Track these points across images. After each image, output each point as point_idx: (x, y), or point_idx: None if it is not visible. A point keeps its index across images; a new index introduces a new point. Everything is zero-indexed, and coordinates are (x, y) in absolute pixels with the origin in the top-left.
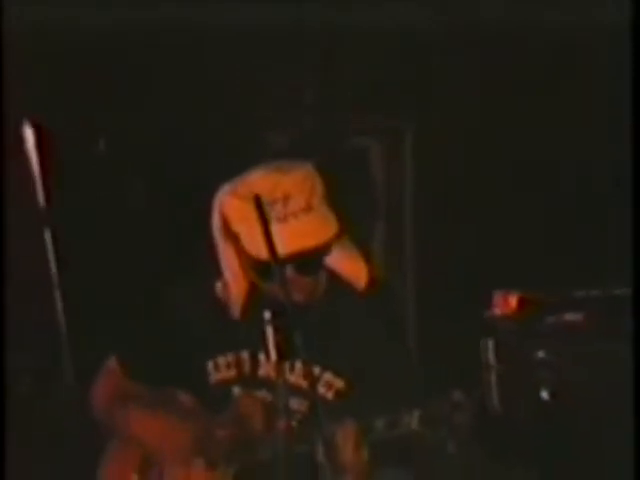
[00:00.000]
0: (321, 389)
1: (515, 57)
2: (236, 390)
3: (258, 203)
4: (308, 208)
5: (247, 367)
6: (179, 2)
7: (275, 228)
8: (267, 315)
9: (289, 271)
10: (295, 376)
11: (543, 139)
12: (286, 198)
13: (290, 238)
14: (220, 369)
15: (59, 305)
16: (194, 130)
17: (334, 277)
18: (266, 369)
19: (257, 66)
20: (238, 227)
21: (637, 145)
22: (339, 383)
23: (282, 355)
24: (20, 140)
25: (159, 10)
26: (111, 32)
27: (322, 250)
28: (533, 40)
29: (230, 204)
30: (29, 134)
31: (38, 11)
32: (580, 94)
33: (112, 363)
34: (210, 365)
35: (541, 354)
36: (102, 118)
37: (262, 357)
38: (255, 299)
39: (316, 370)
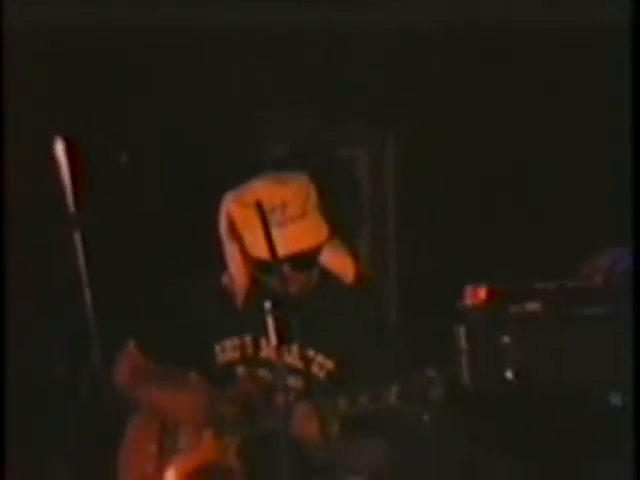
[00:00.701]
0: (314, 369)
1: (515, 57)
2: (240, 370)
3: (260, 210)
4: (303, 214)
5: (250, 350)
6: (179, 2)
7: (274, 232)
8: (267, 305)
9: (286, 268)
10: (292, 358)
11: (540, 139)
12: (284, 206)
13: (288, 241)
14: (226, 351)
15: (87, 296)
16: (204, 145)
17: (325, 273)
18: (266, 351)
19: (257, 72)
20: (242, 230)
21: (637, 145)
22: (329, 364)
23: (280, 339)
24: (52, 155)
25: (159, 10)
26: (111, 32)
27: (315, 250)
28: (533, 40)
29: (235, 210)
30: (60, 148)
31: (38, 11)
32: (580, 94)
33: (131, 346)
34: (217, 348)
35: (506, 339)
36: (120, 131)
37: (263, 341)
38: (256, 291)
39: (310, 353)
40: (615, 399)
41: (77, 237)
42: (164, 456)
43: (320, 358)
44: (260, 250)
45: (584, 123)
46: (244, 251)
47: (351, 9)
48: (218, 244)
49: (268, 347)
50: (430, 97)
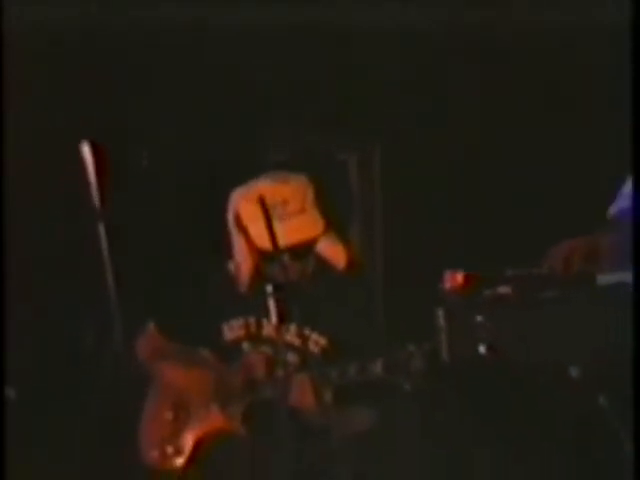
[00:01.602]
0: (310, 345)
1: (515, 57)
2: (245, 346)
3: (263, 205)
4: (302, 210)
5: (253, 328)
6: (179, 2)
7: (276, 225)
8: (269, 289)
9: (286, 257)
10: (290, 335)
11: (537, 139)
12: (285, 202)
13: (288, 233)
14: (233, 330)
15: (110, 281)
16: (213, 146)
17: (321, 261)
18: (268, 330)
19: (258, 74)
20: (247, 223)
21: (637, 145)
22: (323, 341)
23: (281, 319)
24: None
25: (159, 10)
26: (111, 32)
27: (312, 242)
28: (533, 40)
29: (241, 205)
30: (86, 151)
31: (38, 11)
32: (580, 94)
33: (151, 327)
34: (225, 327)
35: (479, 318)
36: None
37: (265, 321)
38: (259, 277)
39: (306, 331)
40: (573, 371)
41: (101, 229)
42: (179, 423)
43: (315, 336)
44: (263, 241)
45: (584, 123)
46: (249, 242)
47: (351, 9)
48: (226, 236)
49: (269, 326)
50: (419, 99)
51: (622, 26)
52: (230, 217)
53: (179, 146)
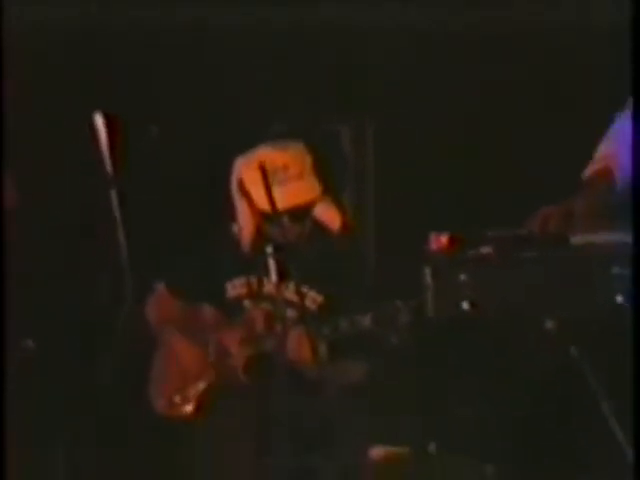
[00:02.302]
0: (307, 302)
1: (515, 57)
2: (247, 303)
3: (263, 171)
4: (300, 175)
5: (255, 286)
6: (179, 2)
7: (276, 189)
8: (269, 250)
9: (285, 220)
10: (289, 293)
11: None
12: (285, 167)
13: (287, 196)
14: (235, 288)
15: (123, 245)
16: (216, 119)
17: (317, 224)
18: (268, 288)
19: (258, 66)
20: (249, 187)
21: (637, 144)
22: (320, 298)
23: (280, 278)
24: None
25: (159, 10)
26: (111, 32)
27: (309, 205)
28: (533, 40)
29: (244, 171)
30: (99, 120)
31: (38, 11)
32: (580, 94)
33: (160, 286)
34: (228, 285)
35: (463, 277)
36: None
37: (265, 280)
38: (260, 239)
39: (304, 289)
40: (548, 324)
41: (114, 195)
42: (185, 376)
43: (312, 293)
44: (264, 204)
45: (584, 123)
46: (252, 205)
47: (352, 9)
48: (229, 201)
49: (269, 284)
50: (409, 85)
51: (622, 26)
52: (233, 183)
53: (186, 120)
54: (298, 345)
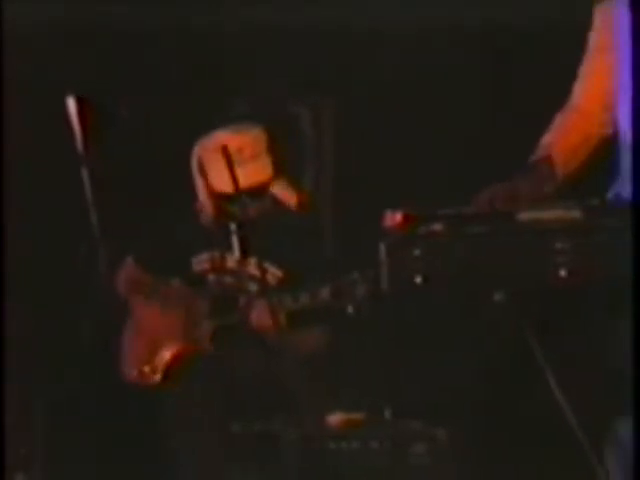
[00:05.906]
0: (268, 277)
1: (515, 57)
2: (211, 277)
3: (226, 153)
4: (256, 156)
5: (218, 262)
6: (179, 2)
7: (235, 170)
8: (232, 227)
9: (245, 198)
10: (251, 268)
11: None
12: (241, 149)
13: (245, 177)
14: (200, 263)
15: (95, 220)
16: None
17: (276, 201)
18: (231, 263)
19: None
20: (207, 169)
21: (637, 144)
22: (279, 273)
23: (243, 254)
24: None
25: (160, 10)
26: (111, 32)
27: (266, 184)
28: (533, 40)
29: (203, 153)
30: (72, 103)
31: (38, 11)
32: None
33: (129, 259)
34: (194, 260)
35: (416, 252)
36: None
37: (229, 255)
38: (222, 216)
39: (265, 264)
40: (497, 295)
41: (85, 174)
42: (153, 347)
43: (272, 269)
44: (222, 184)
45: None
46: (208, 185)
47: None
48: (191, 180)
49: (232, 260)
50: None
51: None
52: (194, 164)
53: (155, 101)
54: (260, 316)
